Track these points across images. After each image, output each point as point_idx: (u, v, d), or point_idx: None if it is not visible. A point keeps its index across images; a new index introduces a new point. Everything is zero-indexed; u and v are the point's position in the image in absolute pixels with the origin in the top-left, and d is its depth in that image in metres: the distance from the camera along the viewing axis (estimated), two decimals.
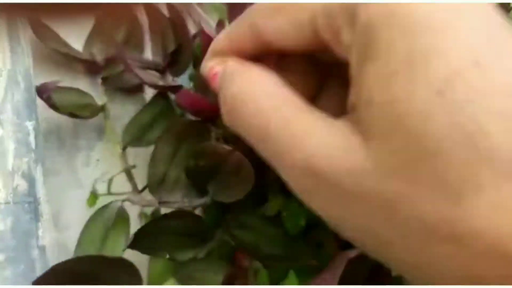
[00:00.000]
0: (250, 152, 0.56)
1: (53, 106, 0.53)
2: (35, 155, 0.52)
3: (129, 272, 0.43)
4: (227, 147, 0.48)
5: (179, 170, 0.53)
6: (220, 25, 0.59)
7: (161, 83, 0.53)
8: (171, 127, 0.53)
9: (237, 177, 0.49)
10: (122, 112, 0.62)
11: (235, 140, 0.54)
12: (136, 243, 0.45)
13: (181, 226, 0.48)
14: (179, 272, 0.45)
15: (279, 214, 0.55)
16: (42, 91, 0.53)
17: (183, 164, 0.52)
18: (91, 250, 0.51)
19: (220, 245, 0.57)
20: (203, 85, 0.52)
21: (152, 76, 0.55)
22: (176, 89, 0.53)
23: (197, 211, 0.61)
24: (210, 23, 0.62)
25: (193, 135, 0.53)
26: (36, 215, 0.49)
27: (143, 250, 0.45)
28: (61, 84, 0.59)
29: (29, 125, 0.52)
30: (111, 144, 0.60)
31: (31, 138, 0.51)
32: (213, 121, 0.52)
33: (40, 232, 0.49)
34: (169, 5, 0.56)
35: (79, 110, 0.56)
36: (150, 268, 0.51)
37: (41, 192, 0.51)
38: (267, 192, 0.55)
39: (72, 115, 0.55)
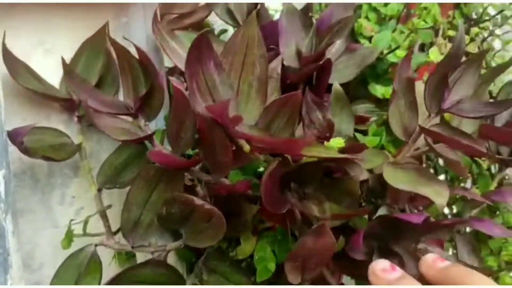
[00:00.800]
0: (224, 197, 0.57)
1: (26, 151, 0.54)
2: (5, 205, 0.52)
3: None
4: (197, 200, 0.48)
5: (153, 215, 0.54)
6: None
7: (132, 129, 0.54)
8: (145, 172, 0.53)
9: (208, 224, 0.50)
10: (98, 149, 0.63)
11: (209, 186, 0.55)
12: None
13: (153, 275, 0.49)
14: None
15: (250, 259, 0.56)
16: (14, 137, 0.53)
17: (156, 209, 0.53)
18: None
19: None
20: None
21: (123, 122, 0.55)
22: (147, 138, 0.53)
23: (171, 254, 0.62)
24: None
25: (167, 180, 0.54)
26: (5, 267, 0.49)
27: None
28: (35, 123, 0.59)
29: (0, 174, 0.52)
30: (86, 180, 0.60)
31: (1, 188, 0.52)
32: (188, 170, 0.53)
33: (9, 284, 0.50)
34: (137, 47, 0.56)
35: (54, 152, 0.57)
36: None
37: (11, 242, 0.51)
38: (240, 235, 0.57)
39: (47, 158, 0.56)
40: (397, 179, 0.48)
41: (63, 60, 0.57)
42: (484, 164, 0.72)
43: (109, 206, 0.59)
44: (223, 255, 0.55)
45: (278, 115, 0.50)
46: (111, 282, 0.49)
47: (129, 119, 0.57)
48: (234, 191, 0.51)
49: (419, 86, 0.54)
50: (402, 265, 0.46)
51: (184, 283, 0.51)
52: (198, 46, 0.46)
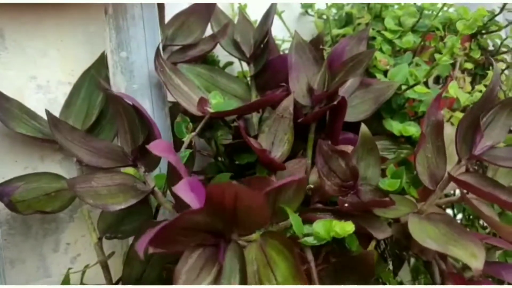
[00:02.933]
0: None
1: (15, 210, 0.49)
2: None
3: None
4: None
5: (157, 272, 0.49)
6: (202, 101, 0.56)
7: (130, 182, 0.49)
8: (147, 225, 0.48)
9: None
10: None
11: None
12: None
13: None
14: None
15: None
16: (2, 195, 0.48)
17: (161, 265, 0.49)
18: None
19: None
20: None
21: (120, 175, 0.50)
22: (149, 194, 0.49)
23: None
24: (191, 96, 0.58)
25: None
26: None
27: None
28: (29, 169, 0.55)
29: None
30: (83, 223, 0.55)
31: None
32: None
33: None
34: (128, 97, 0.52)
35: (48, 203, 0.52)
36: None
37: None
38: None
39: (40, 212, 0.51)
40: (424, 235, 0.44)
41: (47, 111, 0.52)
42: None
43: (112, 254, 0.54)
44: None
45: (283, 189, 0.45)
46: None
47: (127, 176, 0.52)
48: None
49: (446, 129, 0.50)
50: None
51: None
52: None
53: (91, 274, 0.55)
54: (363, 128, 0.51)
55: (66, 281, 0.54)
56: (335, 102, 0.52)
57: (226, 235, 0.40)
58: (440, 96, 0.49)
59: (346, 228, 0.42)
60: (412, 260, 0.63)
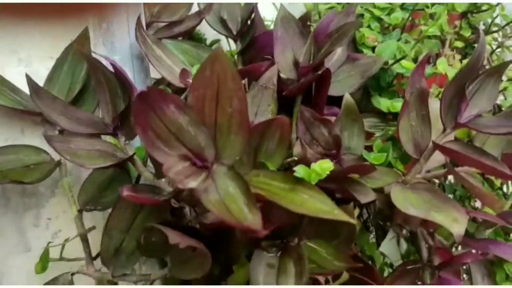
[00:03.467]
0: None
1: None
2: None
3: None
4: (172, 237, 0.42)
5: (136, 241, 0.48)
6: (184, 73, 0.55)
7: (110, 150, 0.48)
8: None
9: (195, 253, 0.44)
10: (79, 168, 0.57)
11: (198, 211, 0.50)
12: None
13: None
14: None
15: None
16: None
17: (140, 233, 0.47)
18: None
19: None
20: None
21: (101, 142, 0.49)
22: (126, 161, 0.47)
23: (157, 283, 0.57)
24: (174, 68, 0.57)
25: (149, 206, 0.48)
26: None
27: None
28: (9, 141, 0.54)
29: None
30: (65, 199, 0.54)
31: None
32: None
33: None
34: (110, 60, 0.51)
35: (27, 174, 0.51)
36: None
37: None
38: (232, 263, 0.51)
39: (17, 182, 0.50)
40: (407, 202, 0.43)
41: (28, 77, 0.51)
42: (497, 182, 0.67)
43: (92, 228, 0.53)
44: (212, 283, 0.49)
45: (265, 138, 0.44)
46: None
47: (108, 138, 0.51)
48: (220, 225, 0.45)
49: (432, 103, 0.49)
50: None
51: None
52: (145, 96, 0.38)
53: (71, 250, 0.54)
54: (347, 97, 0.50)
55: (45, 254, 0.53)
56: (319, 72, 0.51)
57: None
58: (424, 62, 0.48)
59: (324, 165, 0.41)
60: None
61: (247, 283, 0.50)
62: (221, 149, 0.41)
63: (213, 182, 0.38)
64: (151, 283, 0.50)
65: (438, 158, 0.55)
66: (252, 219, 0.35)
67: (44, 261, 0.53)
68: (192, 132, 0.40)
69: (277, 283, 0.38)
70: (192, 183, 0.36)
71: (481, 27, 0.73)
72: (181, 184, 0.35)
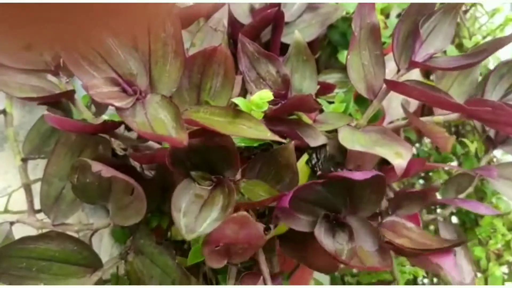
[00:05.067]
0: (163, 168, 0.49)
1: None
2: None
3: None
4: (95, 166, 0.40)
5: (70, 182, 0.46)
6: None
7: (48, 87, 0.46)
8: (65, 138, 0.46)
9: (132, 196, 0.42)
10: (30, 119, 0.56)
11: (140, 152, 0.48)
12: None
13: (58, 251, 0.41)
14: None
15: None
16: None
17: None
18: None
19: (115, 276, 0.50)
20: None
21: (41, 80, 0.47)
22: (63, 96, 0.45)
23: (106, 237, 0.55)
24: None
25: (93, 148, 0.46)
26: None
27: None
28: None
29: None
30: (13, 154, 0.53)
31: None
32: (110, 133, 0.45)
33: None
34: None
35: None
36: None
37: None
38: None
39: None
40: (354, 142, 0.41)
41: None
42: (471, 146, 0.65)
43: (37, 180, 0.51)
44: (159, 234, 0.47)
45: (208, 75, 0.42)
46: None
47: (52, 78, 0.49)
48: (155, 160, 0.43)
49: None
50: (352, 238, 0.38)
51: (101, 264, 0.43)
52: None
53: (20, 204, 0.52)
54: (296, 35, 0.47)
55: None
56: (269, 11, 0.49)
57: None
58: None
59: (263, 95, 0.39)
60: None
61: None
62: (156, 79, 0.39)
63: (142, 108, 0.36)
64: (94, 233, 0.48)
65: (399, 112, 0.53)
66: (177, 135, 0.33)
67: None
68: (122, 56, 0.37)
69: (199, 212, 0.36)
70: (117, 103, 0.34)
71: None
72: (101, 100, 0.33)
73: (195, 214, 0.36)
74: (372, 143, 0.40)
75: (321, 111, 0.51)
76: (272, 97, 0.40)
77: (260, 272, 0.39)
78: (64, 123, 0.40)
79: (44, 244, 0.40)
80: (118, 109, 0.35)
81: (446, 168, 0.58)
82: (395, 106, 0.57)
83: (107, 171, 0.37)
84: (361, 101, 0.62)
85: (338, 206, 0.40)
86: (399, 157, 0.37)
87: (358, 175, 0.37)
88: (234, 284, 0.39)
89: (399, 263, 0.56)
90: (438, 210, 0.64)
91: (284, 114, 0.44)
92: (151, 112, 0.36)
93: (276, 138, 0.35)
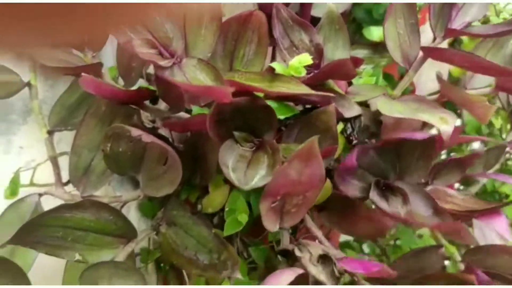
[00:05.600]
0: (191, 140, 0.49)
1: None
2: None
3: (10, 271, 0.35)
4: (134, 130, 0.39)
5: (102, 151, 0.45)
6: None
7: (75, 61, 0.45)
8: (95, 109, 0.45)
9: (164, 166, 0.41)
10: (52, 94, 0.55)
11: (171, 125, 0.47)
12: (21, 237, 0.37)
13: (93, 221, 0.40)
14: (84, 276, 0.37)
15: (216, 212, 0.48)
16: None
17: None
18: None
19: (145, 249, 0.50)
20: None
21: (67, 55, 0.46)
22: (91, 68, 0.44)
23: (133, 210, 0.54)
24: None
25: (122, 119, 0.45)
26: None
27: (25, 245, 0.38)
28: None
29: None
30: (38, 128, 0.52)
31: None
32: (140, 105, 0.44)
33: None
34: None
35: None
36: (65, 271, 0.43)
37: None
38: (208, 182, 0.48)
39: None
40: (392, 109, 0.40)
41: None
42: (497, 123, 0.64)
43: (64, 153, 0.50)
44: (189, 207, 0.46)
45: (242, 42, 0.41)
46: (24, 227, 0.39)
47: (75, 52, 0.48)
48: (190, 127, 0.42)
49: None
50: (405, 202, 0.37)
51: (135, 234, 0.42)
52: None
53: (45, 177, 0.51)
54: (330, 5, 0.46)
55: (15, 178, 0.50)
56: None
57: None
58: None
59: (302, 59, 0.38)
60: None
61: (223, 207, 0.47)
62: (191, 43, 0.38)
63: (180, 70, 0.36)
64: (123, 205, 0.47)
65: (428, 87, 0.52)
66: (219, 86, 0.32)
67: (13, 186, 0.50)
68: (158, 19, 0.37)
69: (247, 169, 0.35)
70: (159, 61, 0.34)
71: None
72: (143, 55, 0.33)
73: (243, 170, 0.35)
74: (412, 110, 0.39)
75: (350, 84, 0.50)
76: (311, 61, 0.39)
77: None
78: (100, 87, 0.39)
79: (80, 213, 0.39)
80: (158, 68, 0.34)
81: (479, 141, 0.57)
82: (424, 81, 0.56)
83: (147, 137, 0.37)
84: (389, 78, 0.61)
85: (388, 172, 0.39)
86: (445, 122, 0.36)
87: (414, 135, 0.36)
88: (290, 249, 0.38)
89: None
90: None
91: (318, 84, 0.44)
92: (189, 74, 0.36)
93: (321, 93, 0.34)
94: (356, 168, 0.37)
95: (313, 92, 0.35)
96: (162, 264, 0.55)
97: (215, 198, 0.47)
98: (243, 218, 0.43)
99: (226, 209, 0.46)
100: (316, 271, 0.36)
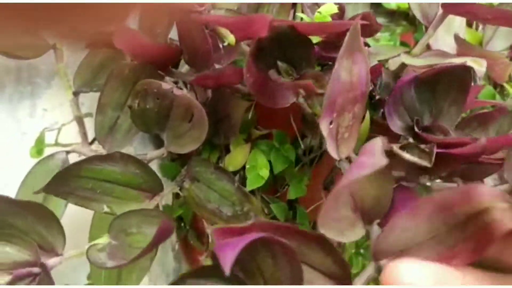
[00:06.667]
0: (213, 100, 0.50)
1: None
2: None
3: (44, 216, 0.37)
4: (164, 84, 0.40)
5: (129, 107, 0.46)
6: None
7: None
8: (119, 70, 0.46)
9: (190, 124, 0.42)
10: (75, 60, 0.56)
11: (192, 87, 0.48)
12: (54, 187, 0.38)
13: (120, 173, 0.41)
14: (113, 224, 0.38)
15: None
16: None
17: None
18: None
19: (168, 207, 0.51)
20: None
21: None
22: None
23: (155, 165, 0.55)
24: None
25: (143, 79, 0.46)
26: None
27: (58, 194, 0.39)
28: None
29: None
30: (62, 91, 0.53)
31: None
32: (165, 66, 0.45)
33: None
34: None
35: (20, 50, 0.50)
36: (92, 221, 0.45)
37: None
38: (230, 141, 0.49)
39: (9, 55, 0.49)
40: (418, 61, 0.41)
41: None
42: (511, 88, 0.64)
43: (89, 114, 0.52)
44: (212, 163, 0.47)
45: None
46: (52, 181, 0.40)
47: None
48: (222, 80, 0.43)
49: None
50: None
51: (161, 188, 0.43)
52: None
53: (70, 138, 0.52)
54: None
55: (40, 138, 0.51)
56: None
57: None
58: None
59: (328, 8, 0.39)
60: None
61: (243, 167, 0.48)
62: None
63: None
64: (148, 163, 0.48)
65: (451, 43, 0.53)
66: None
67: (39, 145, 0.51)
68: None
69: None
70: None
71: None
72: None
73: None
74: (439, 59, 0.40)
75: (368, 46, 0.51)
76: (336, 10, 0.39)
77: None
78: (135, 38, 0.40)
79: (110, 166, 0.41)
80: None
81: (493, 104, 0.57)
82: (440, 44, 0.57)
83: (177, 90, 0.38)
84: (405, 46, 0.61)
85: (422, 115, 0.40)
86: (477, 63, 0.37)
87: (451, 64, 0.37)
88: None
89: None
90: None
91: (339, 41, 0.44)
92: None
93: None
94: (392, 107, 0.38)
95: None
96: (182, 224, 0.56)
97: (236, 157, 0.48)
98: (265, 173, 0.44)
99: (247, 166, 0.47)
100: None
